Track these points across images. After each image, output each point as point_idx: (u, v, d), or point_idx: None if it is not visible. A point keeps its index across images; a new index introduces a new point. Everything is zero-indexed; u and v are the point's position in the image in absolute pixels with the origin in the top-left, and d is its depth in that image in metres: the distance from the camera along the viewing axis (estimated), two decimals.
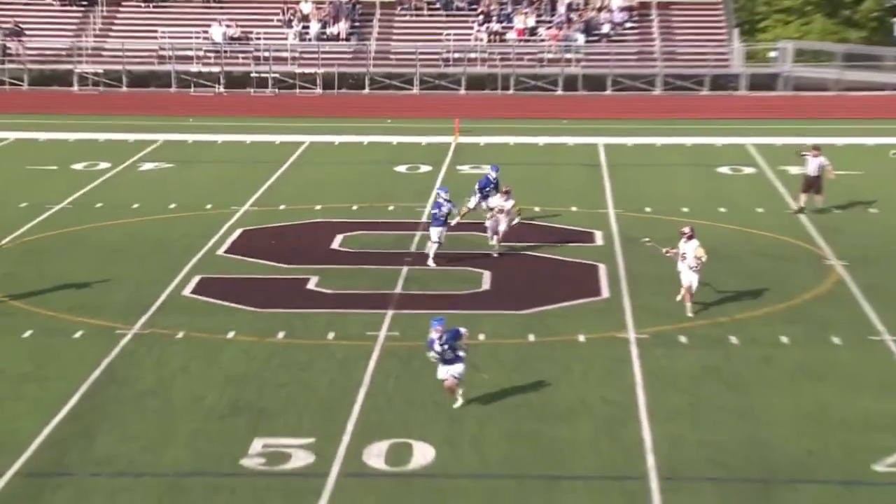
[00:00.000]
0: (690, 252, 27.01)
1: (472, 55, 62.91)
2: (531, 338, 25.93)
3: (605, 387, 23.25)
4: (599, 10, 64.68)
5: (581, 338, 25.92)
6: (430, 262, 30.83)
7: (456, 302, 28.26)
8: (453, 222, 32.04)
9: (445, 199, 31.19)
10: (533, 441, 20.79)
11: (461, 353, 21.81)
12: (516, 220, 32.21)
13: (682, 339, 25.81)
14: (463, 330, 22.17)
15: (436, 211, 31.16)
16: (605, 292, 29.10)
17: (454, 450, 20.42)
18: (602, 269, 30.83)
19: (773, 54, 63.93)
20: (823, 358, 24.78)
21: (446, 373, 21.87)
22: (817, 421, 21.68)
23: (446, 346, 21.66)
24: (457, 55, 62.91)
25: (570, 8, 64.79)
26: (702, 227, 34.50)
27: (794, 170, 41.26)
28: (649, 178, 41.92)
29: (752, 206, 37.44)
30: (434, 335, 21.74)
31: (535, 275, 30.53)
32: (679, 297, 27.36)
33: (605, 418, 21.79)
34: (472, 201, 34.10)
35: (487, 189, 33.95)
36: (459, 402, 21.98)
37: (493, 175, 34.56)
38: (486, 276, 30.23)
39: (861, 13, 67.66)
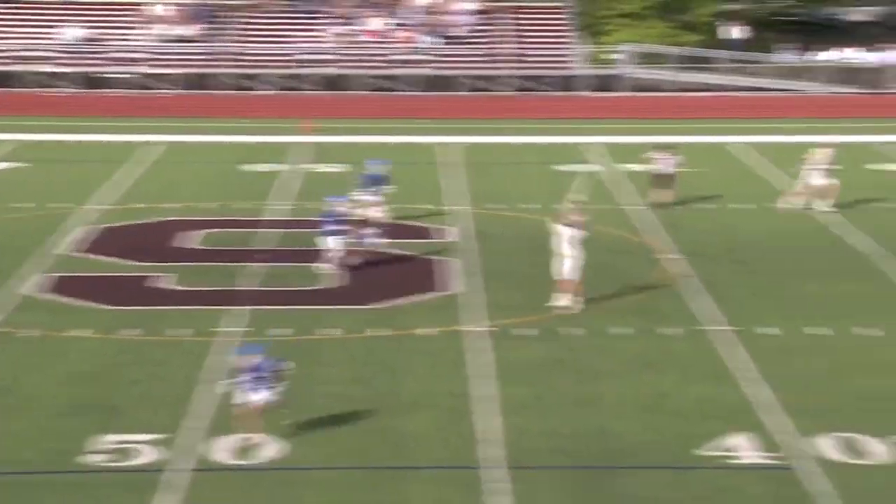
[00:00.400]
0: (566, 242, 27.09)
1: (326, 56, 62.69)
2: (382, 332, 25.86)
3: (453, 379, 23.27)
4: (450, 12, 64.83)
5: (431, 331, 25.91)
6: (334, 268, 29.64)
7: (309, 297, 28.20)
8: (364, 219, 31.10)
9: (339, 207, 30.14)
10: (381, 433, 20.74)
11: (277, 385, 20.21)
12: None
13: (530, 331, 25.94)
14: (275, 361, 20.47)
15: (329, 219, 29.84)
16: (458, 287, 29.13)
17: (303, 443, 20.27)
18: (455, 264, 30.87)
19: (615, 56, 64.71)
20: (661, 348, 25.10)
21: (257, 398, 20.08)
22: (654, 409, 21.96)
23: (267, 374, 20.06)
24: (311, 56, 62.64)
25: (421, 10, 64.85)
26: (546, 222, 34.88)
27: (636, 167, 41.81)
28: (501, 175, 42.14)
29: (596, 202, 37.69)
30: (256, 361, 20.03)
31: (389, 270, 30.44)
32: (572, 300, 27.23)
33: (453, 410, 21.79)
34: (366, 197, 33.56)
35: (373, 185, 33.48)
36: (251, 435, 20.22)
37: (378, 170, 34.10)
38: (335, 272, 30.07)
39: (696, 17, 68.83)
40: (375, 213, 31.84)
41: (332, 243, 29.64)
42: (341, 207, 30.26)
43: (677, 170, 37.53)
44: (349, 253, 29.98)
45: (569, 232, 27.23)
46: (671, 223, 35.04)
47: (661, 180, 37.37)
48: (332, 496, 18.68)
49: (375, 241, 31.16)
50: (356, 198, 32.31)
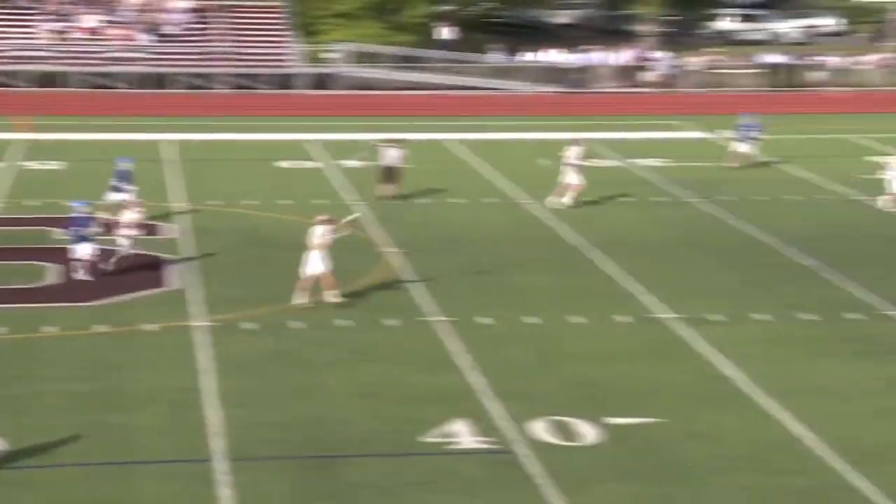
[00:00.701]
0: (317, 239, 27.02)
1: (39, 53, 61.09)
2: (105, 329, 25.43)
3: (176, 374, 23.06)
4: (164, 10, 64.00)
5: (153, 327, 25.61)
6: (86, 276, 28.52)
7: (29, 295, 27.51)
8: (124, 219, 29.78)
9: (86, 213, 28.93)
10: (107, 429, 20.41)
11: None
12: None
13: (252, 325, 25.89)
14: None
15: (77, 227, 28.60)
16: (181, 283, 28.82)
17: (24, 442, 19.71)
18: (178, 261, 30.51)
19: (330, 55, 64.92)
20: (382, 339, 25.38)
21: None
22: (376, 398, 22.20)
23: None
24: (23, 53, 60.91)
25: (136, 8, 63.83)
26: (267, 218, 34.87)
27: (354, 164, 42.18)
28: (218, 172, 41.82)
29: (313, 197, 37.87)
30: None
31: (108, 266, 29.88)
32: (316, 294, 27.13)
33: (177, 404, 21.62)
34: (118, 196, 32.83)
35: (121, 183, 32.74)
36: None
37: (125, 167, 33.37)
38: (56, 269, 29.40)
39: (408, 18, 69.67)
40: (131, 213, 30.42)
41: (81, 248, 28.57)
42: (88, 210, 29.32)
43: (402, 165, 38.08)
44: (103, 255, 28.99)
45: (321, 231, 27.20)
46: (390, 217, 35.39)
47: (388, 174, 37.83)
48: (56, 495, 18.25)
49: (130, 242, 29.60)
50: (109, 199, 31.59)
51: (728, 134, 45.60)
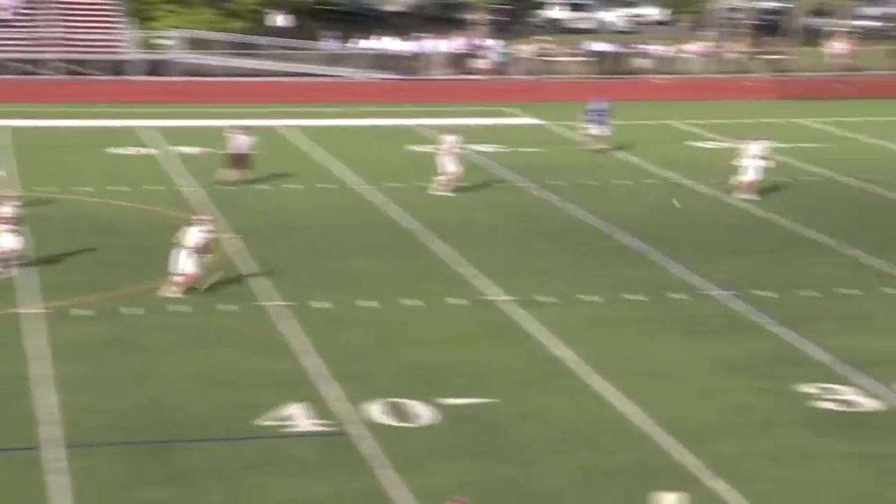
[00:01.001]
0: (191, 238, 26.49)
1: None
2: None
3: (11, 360, 22.52)
4: None
5: None
6: None
7: None
8: None
9: None
10: None
11: None
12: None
13: (87, 312, 25.36)
14: None
15: None
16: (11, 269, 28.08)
17: None
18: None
19: (165, 42, 63.90)
20: (219, 324, 25.10)
21: None
22: (213, 383, 21.97)
23: None
24: None
25: None
26: (102, 205, 34.22)
27: (188, 150, 41.63)
28: (50, 159, 40.91)
29: (147, 183, 37.30)
30: None
31: None
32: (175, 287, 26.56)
33: (11, 390, 21.11)
34: None
35: None
36: None
37: None
38: None
39: (241, 5, 68.99)
40: (4, 208, 29.02)
41: None
42: None
43: (252, 151, 37.73)
44: None
45: (196, 231, 26.69)
46: (229, 203, 34.95)
47: (236, 160, 37.44)
48: None
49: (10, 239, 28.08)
50: None
51: (581, 122, 45.92)
